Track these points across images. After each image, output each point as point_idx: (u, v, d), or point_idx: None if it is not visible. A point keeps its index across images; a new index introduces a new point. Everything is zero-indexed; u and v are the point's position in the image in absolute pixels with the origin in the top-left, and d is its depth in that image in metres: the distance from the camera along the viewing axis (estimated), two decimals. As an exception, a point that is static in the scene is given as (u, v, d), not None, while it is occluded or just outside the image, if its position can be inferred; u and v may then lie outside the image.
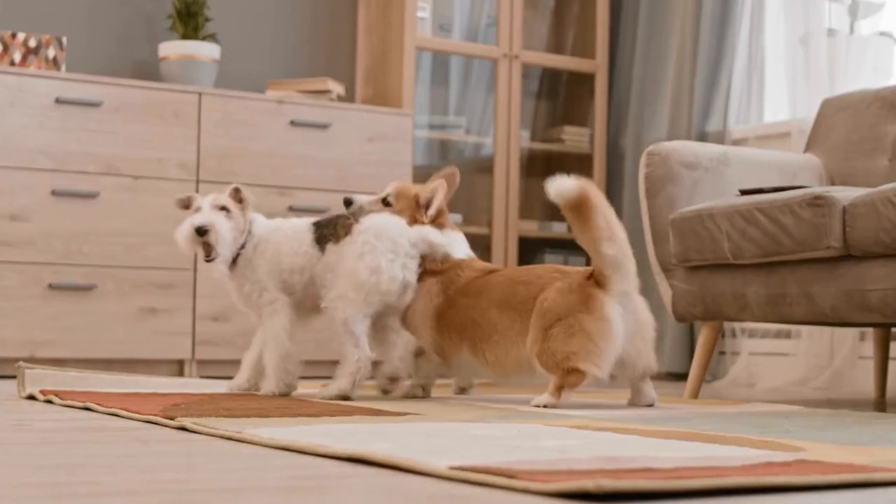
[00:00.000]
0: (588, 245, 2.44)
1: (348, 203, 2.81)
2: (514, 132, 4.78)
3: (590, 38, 5.02)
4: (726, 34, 4.49)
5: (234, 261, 2.75)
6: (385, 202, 2.82)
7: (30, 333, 3.80)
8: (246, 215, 2.77)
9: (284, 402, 2.42)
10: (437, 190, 2.81)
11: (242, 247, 2.75)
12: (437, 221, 2.81)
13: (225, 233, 2.68)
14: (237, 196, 2.77)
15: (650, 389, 2.60)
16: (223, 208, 2.74)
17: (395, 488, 1.28)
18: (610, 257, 2.42)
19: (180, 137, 4.06)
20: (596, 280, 2.44)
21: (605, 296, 2.42)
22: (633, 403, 2.59)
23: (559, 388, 2.40)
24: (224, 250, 2.69)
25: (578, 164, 5.01)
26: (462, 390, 2.94)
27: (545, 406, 2.40)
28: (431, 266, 2.69)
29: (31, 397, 2.58)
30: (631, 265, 2.46)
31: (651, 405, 2.59)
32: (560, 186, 2.39)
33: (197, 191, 4.05)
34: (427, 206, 2.81)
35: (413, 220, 2.76)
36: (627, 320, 2.44)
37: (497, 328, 2.53)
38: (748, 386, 4.18)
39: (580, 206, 2.40)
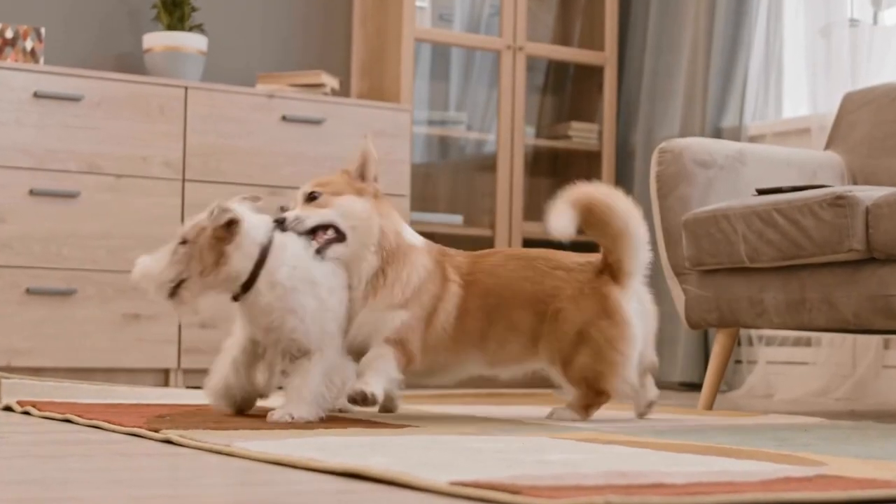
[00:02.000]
0: (607, 242, 2.43)
1: (281, 222, 2.35)
2: (517, 128, 4.78)
3: (598, 28, 5.02)
4: (742, 25, 4.49)
5: None
6: (311, 197, 2.38)
7: (6, 341, 3.80)
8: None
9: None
10: (366, 151, 2.44)
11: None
12: (379, 199, 2.43)
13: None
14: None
15: (652, 385, 2.60)
16: None
17: (392, 505, 1.28)
18: (630, 250, 2.42)
19: (165, 134, 4.06)
20: (611, 274, 2.41)
21: (621, 294, 2.40)
22: (640, 402, 2.58)
23: (587, 407, 2.41)
24: None
25: (586, 161, 5.01)
26: (386, 409, 2.58)
27: (571, 421, 2.41)
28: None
29: (8, 408, 2.58)
30: (645, 254, 2.46)
31: (653, 402, 2.60)
32: (557, 226, 2.34)
33: (183, 190, 4.05)
34: (363, 175, 2.43)
35: (359, 193, 2.40)
36: (641, 316, 2.45)
37: (509, 324, 2.42)
38: (766, 397, 4.18)
39: (591, 222, 2.41)
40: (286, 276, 2.27)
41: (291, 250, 2.31)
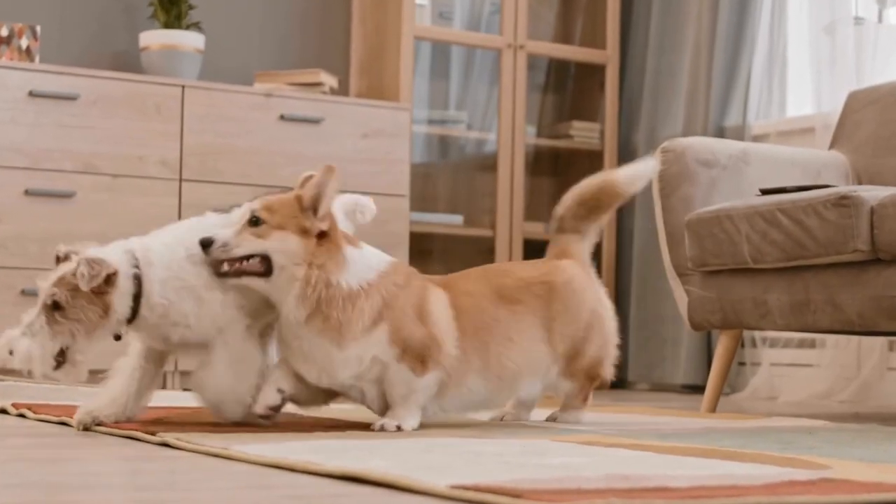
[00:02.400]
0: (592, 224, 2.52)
1: (207, 244, 2.17)
2: (518, 127, 4.78)
3: (600, 26, 5.02)
4: (746, 22, 4.49)
5: None
6: (254, 222, 2.15)
7: (1, 343, 3.79)
8: None
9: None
10: (324, 180, 2.15)
11: None
12: (328, 236, 2.17)
13: None
14: None
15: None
16: None
17: (392, 509, 1.28)
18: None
19: (162, 133, 4.06)
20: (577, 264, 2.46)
21: (593, 274, 2.48)
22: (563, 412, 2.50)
23: (586, 398, 2.45)
24: None
25: (588, 161, 5.00)
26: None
27: (578, 422, 2.43)
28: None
29: (3, 411, 2.58)
30: None
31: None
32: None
33: (179, 190, 4.05)
34: (315, 207, 2.15)
35: (303, 233, 2.14)
36: None
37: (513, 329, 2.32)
38: (769, 399, 4.18)
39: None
40: (160, 294, 2.17)
41: (157, 263, 2.21)
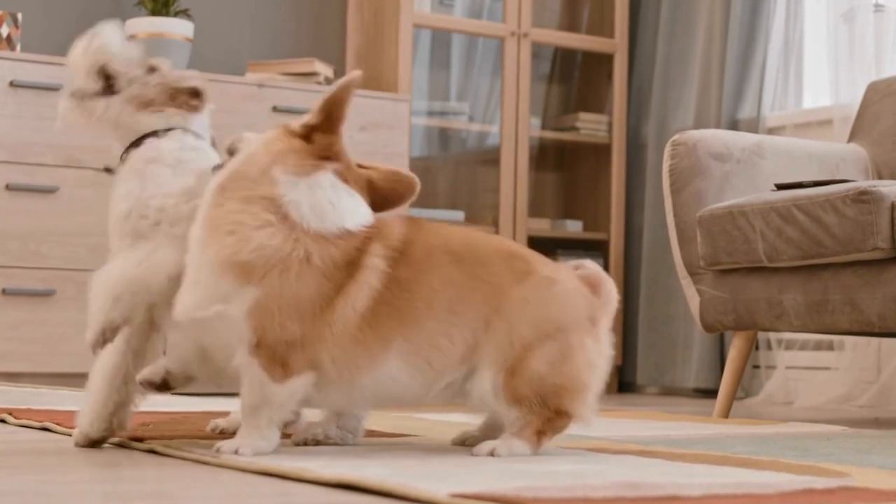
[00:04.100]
0: None
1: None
2: (522, 119, 4.78)
3: (608, 14, 5.02)
4: (760, 10, 4.49)
5: None
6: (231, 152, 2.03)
7: (-19, 345, 3.80)
8: None
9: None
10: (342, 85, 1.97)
11: None
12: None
13: None
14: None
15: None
16: None
17: (389, 518, 1.28)
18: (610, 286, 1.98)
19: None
20: (603, 303, 1.96)
21: (606, 320, 1.96)
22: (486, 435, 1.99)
23: (540, 434, 1.85)
24: None
25: (595, 155, 5.01)
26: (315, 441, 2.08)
27: (515, 454, 1.84)
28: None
29: (-17, 416, 2.58)
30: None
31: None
32: None
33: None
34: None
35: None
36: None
37: (460, 315, 1.84)
38: (785, 404, 4.18)
39: None
40: None
41: None
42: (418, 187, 2.05)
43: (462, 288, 1.83)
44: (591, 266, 1.98)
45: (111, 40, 2.22)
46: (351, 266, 1.80)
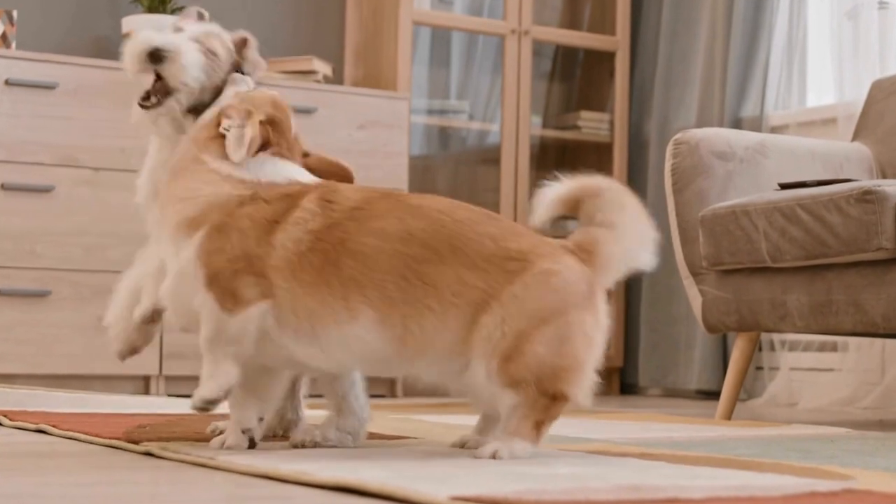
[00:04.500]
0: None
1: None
2: (523, 118, 4.78)
3: (609, 11, 5.02)
4: (764, 7, 4.49)
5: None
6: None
7: (-25, 346, 3.80)
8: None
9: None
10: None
11: None
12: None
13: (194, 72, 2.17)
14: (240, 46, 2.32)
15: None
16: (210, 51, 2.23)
17: (389, 521, 1.28)
18: (621, 228, 1.98)
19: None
20: (591, 266, 1.94)
21: (602, 293, 1.93)
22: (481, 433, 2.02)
23: (539, 424, 1.84)
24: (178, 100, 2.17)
25: (596, 153, 5.00)
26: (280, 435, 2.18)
27: (516, 456, 1.83)
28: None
29: (-23, 418, 2.58)
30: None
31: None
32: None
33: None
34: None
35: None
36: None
37: (438, 287, 1.83)
38: (788, 405, 4.18)
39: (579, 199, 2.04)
40: None
41: None
42: (354, 177, 2.18)
43: (438, 279, 1.84)
44: (583, 232, 2.00)
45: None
46: (291, 203, 1.89)
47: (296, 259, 1.85)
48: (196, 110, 2.20)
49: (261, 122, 2.02)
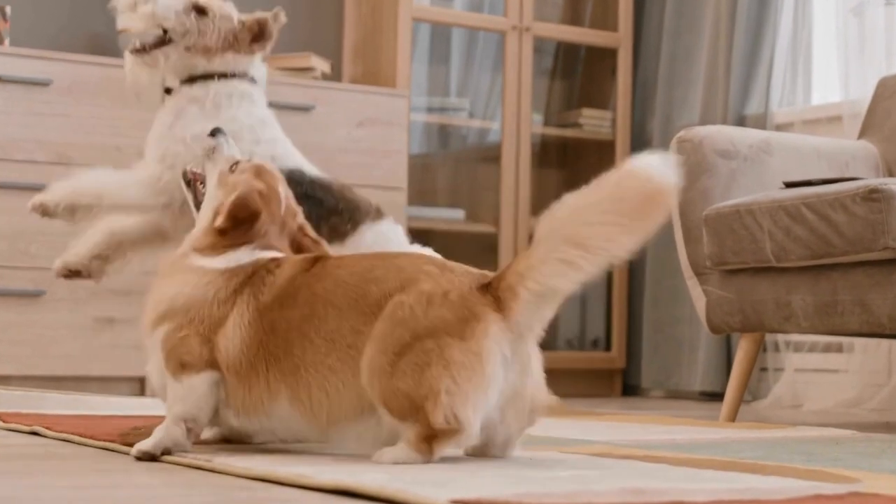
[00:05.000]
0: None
1: (217, 132, 2.20)
2: (524, 116, 4.78)
3: (612, 7, 5.02)
4: (768, 3, 4.49)
5: None
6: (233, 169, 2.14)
7: (-32, 347, 3.80)
8: None
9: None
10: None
11: None
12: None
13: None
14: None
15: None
16: None
17: (388, 525, 1.28)
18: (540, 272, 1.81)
19: (141, 122, 4.04)
20: (494, 294, 1.84)
21: (496, 323, 1.80)
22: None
23: (429, 440, 1.79)
24: None
25: (598, 152, 5.00)
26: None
27: (397, 462, 1.79)
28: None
29: (-29, 420, 2.58)
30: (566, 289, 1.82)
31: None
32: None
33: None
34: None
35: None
36: (510, 374, 1.82)
37: (335, 344, 1.86)
38: (793, 407, 4.18)
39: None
40: None
41: None
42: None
43: (337, 334, 1.87)
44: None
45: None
46: (235, 295, 1.97)
47: (235, 342, 1.95)
48: (191, 79, 2.53)
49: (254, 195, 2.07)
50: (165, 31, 2.58)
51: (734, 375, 3.22)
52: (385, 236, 2.49)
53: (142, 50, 2.58)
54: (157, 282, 2.05)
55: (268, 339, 1.92)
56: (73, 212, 2.49)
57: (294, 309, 1.91)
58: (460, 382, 1.77)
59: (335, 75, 4.74)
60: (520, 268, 1.83)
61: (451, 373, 1.77)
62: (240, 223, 2.03)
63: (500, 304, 1.81)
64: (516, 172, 4.76)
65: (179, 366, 1.94)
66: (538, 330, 1.85)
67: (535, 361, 1.86)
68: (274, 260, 2.01)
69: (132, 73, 2.60)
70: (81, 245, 2.61)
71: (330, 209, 2.50)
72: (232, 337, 1.94)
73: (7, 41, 4.06)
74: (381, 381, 1.80)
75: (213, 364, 1.94)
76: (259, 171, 2.10)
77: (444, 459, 1.83)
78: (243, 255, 2.02)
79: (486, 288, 1.84)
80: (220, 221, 2.02)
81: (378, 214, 2.54)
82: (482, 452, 1.89)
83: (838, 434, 2.62)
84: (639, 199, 1.86)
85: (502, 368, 1.79)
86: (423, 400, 1.77)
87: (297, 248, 2.11)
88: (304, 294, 1.92)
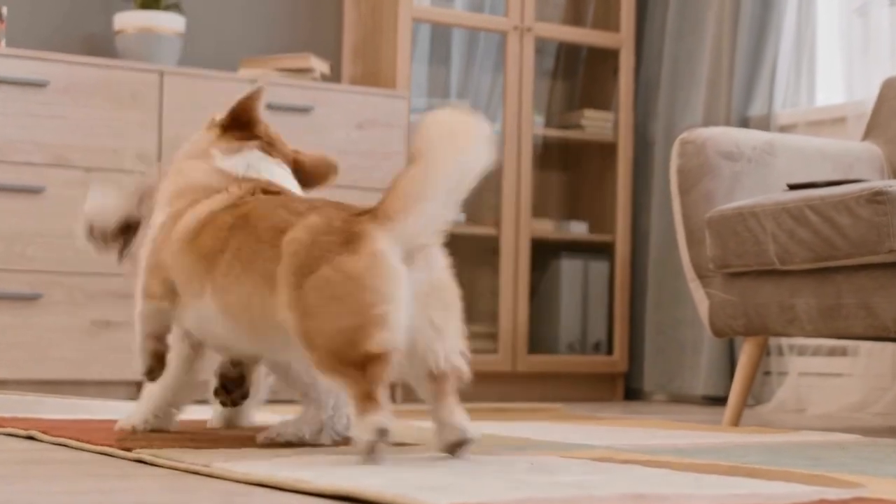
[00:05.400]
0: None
1: None
2: (525, 117, 4.78)
3: (614, 7, 5.02)
4: (772, 4, 4.49)
5: None
6: None
7: (-36, 350, 3.80)
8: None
9: (259, 431, 2.42)
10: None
11: None
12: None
13: None
14: None
15: (458, 414, 1.91)
16: None
17: (387, 531, 1.28)
18: (410, 179, 1.87)
19: (139, 123, 4.06)
20: (374, 214, 1.87)
21: (377, 229, 1.84)
22: (440, 441, 1.93)
23: (367, 397, 1.78)
24: None
25: (600, 153, 5.00)
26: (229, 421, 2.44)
27: (367, 441, 1.79)
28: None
29: (-34, 424, 2.58)
30: (438, 206, 1.89)
31: (464, 442, 1.91)
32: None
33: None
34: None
35: None
36: (416, 276, 1.85)
37: (240, 256, 1.98)
38: (797, 411, 4.18)
39: None
40: None
41: None
42: (339, 170, 2.39)
43: (252, 254, 1.97)
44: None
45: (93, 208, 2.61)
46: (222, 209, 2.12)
47: (179, 253, 2.11)
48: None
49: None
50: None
51: (737, 379, 3.22)
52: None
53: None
54: (179, 160, 2.29)
55: (207, 251, 2.05)
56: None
57: (229, 237, 2.02)
58: (373, 285, 1.79)
59: (334, 76, 4.74)
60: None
61: (361, 282, 1.80)
62: (241, 123, 2.31)
63: (382, 221, 1.85)
64: (517, 174, 4.76)
65: (147, 292, 2.18)
66: (429, 236, 1.91)
67: (439, 260, 1.92)
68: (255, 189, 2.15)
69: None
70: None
71: None
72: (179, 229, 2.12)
73: (3, 42, 4.06)
74: (298, 320, 1.84)
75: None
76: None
77: (445, 464, 1.83)
78: (252, 161, 2.24)
79: (370, 211, 1.88)
80: (223, 117, 2.29)
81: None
82: (418, 365, 1.88)
83: (843, 439, 2.62)
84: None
85: (402, 264, 1.83)
86: (351, 332, 1.78)
87: (297, 165, 2.34)
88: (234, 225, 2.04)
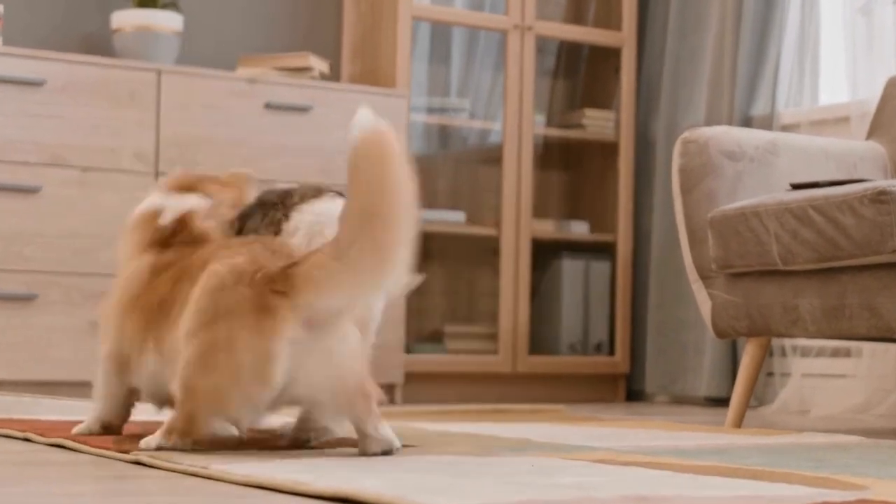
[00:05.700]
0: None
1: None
2: (526, 116, 4.78)
3: (615, 6, 5.02)
4: (775, 2, 4.49)
5: None
6: None
7: (-39, 351, 3.80)
8: None
9: (257, 432, 2.42)
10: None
11: None
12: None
13: None
14: None
15: (378, 430, 1.99)
16: None
17: (387, 533, 1.27)
18: (328, 271, 1.89)
19: (137, 122, 4.06)
20: (290, 285, 1.91)
21: (286, 308, 1.89)
22: (362, 451, 2.00)
23: (169, 432, 2.00)
24: None
25: (601, 153, 5.00)
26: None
27: (157, 448, 1.98)
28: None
29: (-38, 426, 2.58)
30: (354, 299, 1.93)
31: (386, 451, 1.99)
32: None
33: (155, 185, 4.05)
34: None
35: None
36: (314, 345, 1.91)
37: (176, 302, 2.05)
38: (800, 413, 4.18)
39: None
40: None
41: None
42: (253, 178, 2.51)
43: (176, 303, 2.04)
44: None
45: None
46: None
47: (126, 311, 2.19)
48: None
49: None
50: None
51: (740, 380, 3.22)
52: (327, 213, 2.37)
53: None
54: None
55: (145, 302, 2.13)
56: None
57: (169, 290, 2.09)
58: (240, 384, 1.91)
59: (334, 75, 4.74)
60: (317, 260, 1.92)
61: (238, 375, 1.90)
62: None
63: (295, 291, 1.89)
64: (518, 174, 4.76)
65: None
66: (345, 315, 1.92)
67: (343, 345, 1.92)
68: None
69: None
70: None
71: (267, 205, 2.47)
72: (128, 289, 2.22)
73: (0, 41, 4.06)
74: (181, 363, 1.96)
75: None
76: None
77: (445, 466, 1.83)
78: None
79: (290, 270, 1.91)
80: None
81: (316, 193, 2.46)
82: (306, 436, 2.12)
83: (846, 440, 2.62)
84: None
85: (289, 360, 1.89)
86: (202, 395, 1.94)
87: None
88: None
